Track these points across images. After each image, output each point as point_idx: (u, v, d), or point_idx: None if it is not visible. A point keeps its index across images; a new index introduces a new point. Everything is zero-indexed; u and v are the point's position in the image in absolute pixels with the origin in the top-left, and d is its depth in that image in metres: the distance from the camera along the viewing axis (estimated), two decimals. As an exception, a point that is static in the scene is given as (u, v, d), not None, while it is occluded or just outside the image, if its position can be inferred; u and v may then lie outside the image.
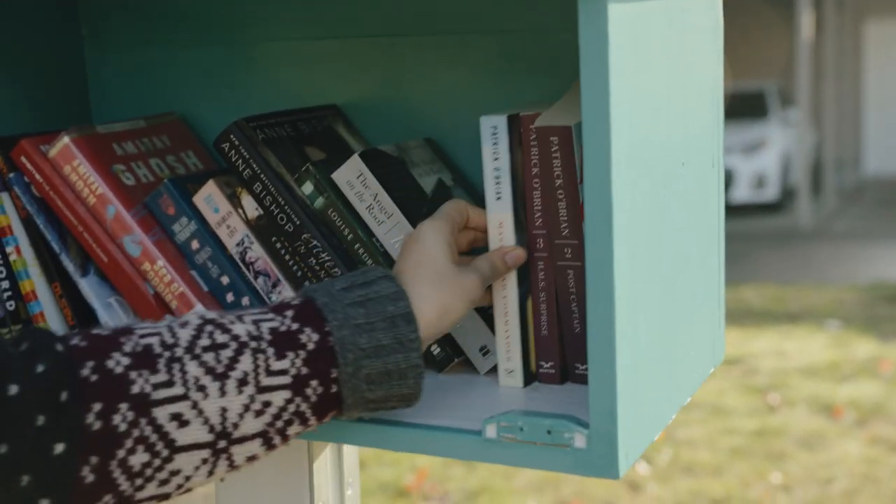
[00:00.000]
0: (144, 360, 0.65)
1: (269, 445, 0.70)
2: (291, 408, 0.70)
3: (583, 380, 0.89)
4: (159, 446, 0.65)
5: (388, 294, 0.74)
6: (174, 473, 0.66)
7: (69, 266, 1.05)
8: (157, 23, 1.21)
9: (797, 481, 3.52)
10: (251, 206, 0.99)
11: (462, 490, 3.51)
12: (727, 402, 4.30)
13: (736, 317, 5.61)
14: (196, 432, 0.66)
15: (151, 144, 1.12)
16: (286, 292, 0.99)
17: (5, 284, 1.05)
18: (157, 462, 0.65)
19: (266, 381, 0.68)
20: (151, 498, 0.66)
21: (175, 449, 0.65)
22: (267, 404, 0.69)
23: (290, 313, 0.72)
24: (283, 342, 0.70)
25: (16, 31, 1.16)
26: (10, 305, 1.05)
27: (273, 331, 0.70)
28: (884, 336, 5.29)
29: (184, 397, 0.65)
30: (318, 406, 0.71)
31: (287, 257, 0.97)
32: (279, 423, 0.70)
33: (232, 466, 0.69)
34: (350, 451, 1.03)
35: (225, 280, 1.01)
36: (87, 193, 1.02)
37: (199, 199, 1.01)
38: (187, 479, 0.67)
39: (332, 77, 1.14)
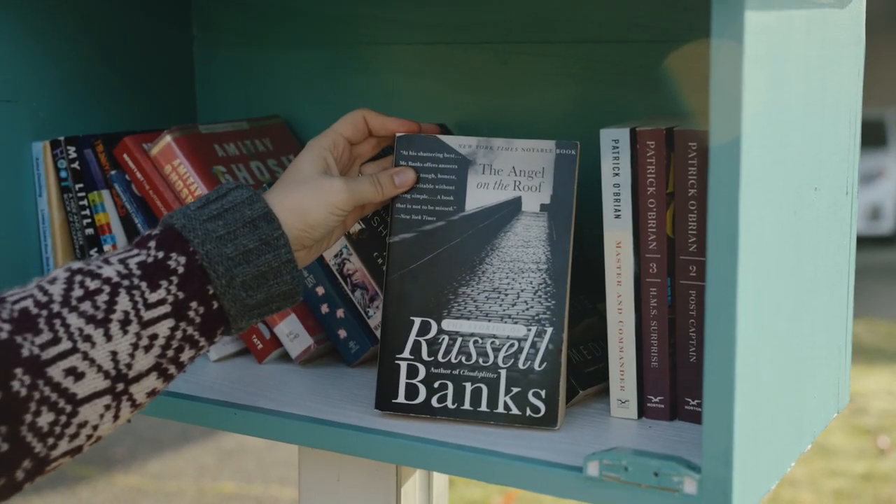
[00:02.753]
0: (24, 323, 0.65)
1: (165, 376, 0.71)
2: (178, 334, 0.70)
3: (693, 417, 0.83)
4: (62, 403, 0.65)
5: (243, 200, 0.75)
6: (82, 426, 0.67)
7: (164, 267, 1.03)
8: (267, 23, 1.20)
9: (906, 531, 3.34)
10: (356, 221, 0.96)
11: (551, 515, 3.43)
12: (833, 442, 4.12)
13: (845, 353, 5.37)
14: (93, 382, 0.66)
15: (253, 147, 1.09)
16: (382, 306, 0.95)
17: (101, 283, 1.03)
18: (63, 419, 0.65)
19: (147, 314, 0.69)
20: (65, 454, 0.67)
21: (77, 402, 0.66)
22: (154, 337, 0.69)
23: (153, 244, 0.72)
24: (154, 273, 0.70)
25: (127, 28, 1.15)
26: (105, 304, 1.04)
27: (141, 264, 0.70)
28: None
29: (73, 350, 0.65)
30: (204, 325, 0.72)
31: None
32: (170, 353, 0.70)
33: (135, 406, 0.70)
34: (439, 476, 0.99)
35: (320, 290, 0.97)
36: (186, 194, 1.00)
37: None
38: (95, 428, 0.68)
39: (441, 84, 1.10)
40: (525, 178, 0.84)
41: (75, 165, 1.03)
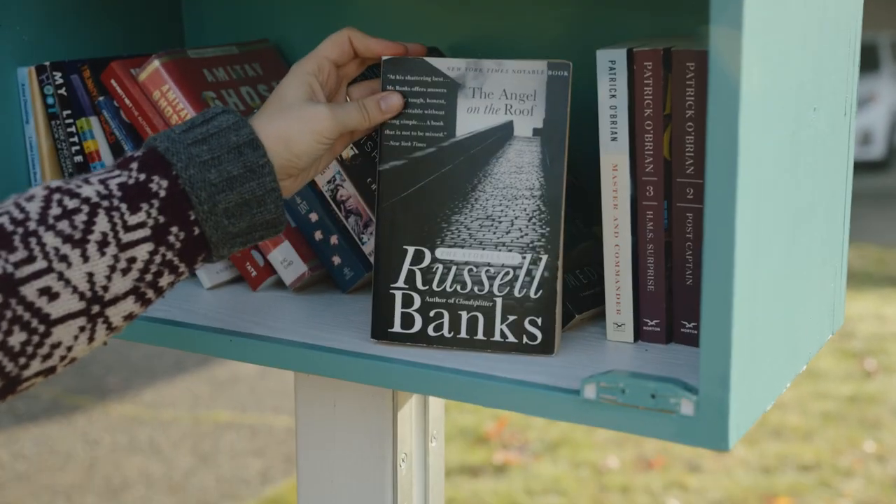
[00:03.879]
0: None
1: (143, 300, 0.70)
2: (157, 259, 0.69)
3: (689, 340, 0.83)
4: (34, 323, 0.64)
5: (230, 125, 0.73)
6: (55, 346, 0.65)
7: (156, 195, 1.02)
8: (253, -55, 1.17)
9: (892, 451, 3.39)
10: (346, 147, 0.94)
11: (542, 440, 3.47)
12: (820, 366, 4.17)
13: (834, 278, 5.40)
14: (67, 303, 0.65)
15: (243, 72, 1.08)
16: (377, 232, 0.94)
17: (91, 211, 1.02)
18: (35, 339, 0.64)
19: (126, 237, 0.67)
20: (38, 374, 0.66)
21: (50, 322, 0.65)
22: (132, 260, 0.68)
23: (134, 165, 0.70)
24: (135, 195, 0.68)
25: (109, -50, 1.12)
26: (96, 233, 1.03)
27: (122, 186, 0.68)
28: None
29: (48, 270, 0.64)
30: (184, 251, 0.70)
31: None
32: (148, 277, 0.69)
33: (111, 329, 0.69)
34: (435, 402, 0.99)
35: (314, 217, 0.96)
36: (176, 120, 0.98)
37: (289, 130, 0.96)
38: (69, 349, 0.66)
39: (434, 5, 1.08)
40: (516, 102, 0.82)
41: (62, 91, 1.01)
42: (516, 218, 0.82)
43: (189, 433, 3.63)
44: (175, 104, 0.98)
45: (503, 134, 0.83)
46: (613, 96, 0.79)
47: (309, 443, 0.96)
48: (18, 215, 0.65)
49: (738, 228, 0.65)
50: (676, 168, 0.80)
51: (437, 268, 0.83)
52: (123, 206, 0.68)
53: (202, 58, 1.04)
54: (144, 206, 0.68)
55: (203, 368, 4.25)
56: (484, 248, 0.83)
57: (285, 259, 0.98)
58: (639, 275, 0.83)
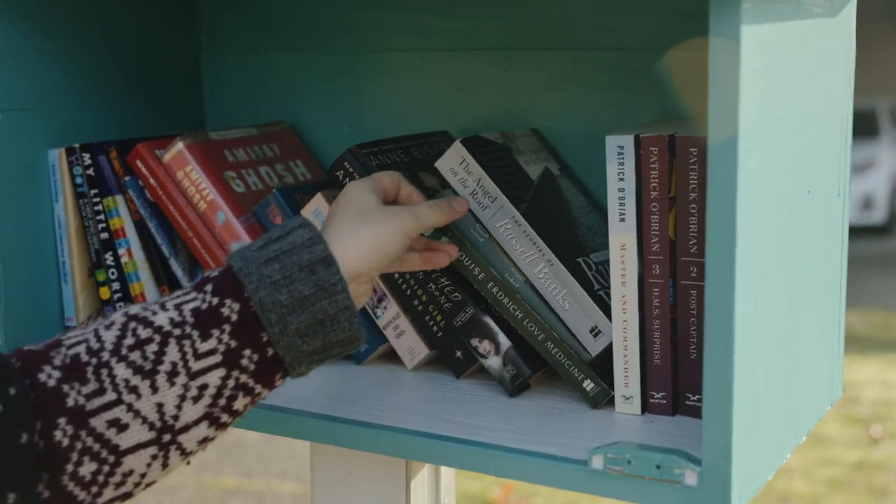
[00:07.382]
0: (73, 371, 0.65)
1: (217, 424, 0.70)
2: (230, 383, 0.69)
3: (694, 412, 0.86)
4: (104, 454, 0.65)
5: (303, 242, 0.72)
6: (127, 475, 0.66)
7: (178, 270, 1.06)
8: (273, 30, 1.22)
9: (900, 518, 3.38)
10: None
11: (549, 506, 3.46)
12: (826, 432, 4.16)
13: (838, 343, 5.40)
14: (137, 433, 0.66)
15: (262, 152, 1.12)
16: (391, 308, 0.98)
17: (116, 286, 1.07)
18: (105, 468, 0.65)
19: (196, 365, 0.68)
20: (113, 500, 0.67)
21: (120, 453, 0.66)
22: (203, 387, 0.68)
23: (209, 287, 0.70)
24: (206, 321, 0.68)
25: (136, 36, 1.18)
26: (121, 307, 1.07)
27: (195, 311, 0.69)
28: None
29: (117, 402, 0.65)
30: (259, 373, 0.70)
31: (396, 274, 0.96)
32: (222, 401, 0.69)
33: (185, 454, 0.69)
34: (447, 471, 1.02)
35: (330, 291, 1.00)
36: (199, 199, 1.03)
37: (307, 211, 1.00)
38: (142, 476, 0.67)
39: (444, 90, 1.13)
40: (536, 153, 1.01)
41: (90, 172, 1.06)
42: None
43: (195, 499, 3.62)
44: (198, 184, 1.03)
45: (550, 176, 1.00)
46: (622, 179, 0.83)
47: (324, 512, 0.99)
48: (95, 345, 0.67)
49: (737, 305, 0.68)
50: (681, 247, 0.83)
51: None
52: (195, 334, 0.68)
53: (223, 139, 1.08)
54: (215, 331, 0.68)
55: (209, 434, 4.25)
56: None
57: (302, 332, 1.01)
58: (646, 349, 0.86)
